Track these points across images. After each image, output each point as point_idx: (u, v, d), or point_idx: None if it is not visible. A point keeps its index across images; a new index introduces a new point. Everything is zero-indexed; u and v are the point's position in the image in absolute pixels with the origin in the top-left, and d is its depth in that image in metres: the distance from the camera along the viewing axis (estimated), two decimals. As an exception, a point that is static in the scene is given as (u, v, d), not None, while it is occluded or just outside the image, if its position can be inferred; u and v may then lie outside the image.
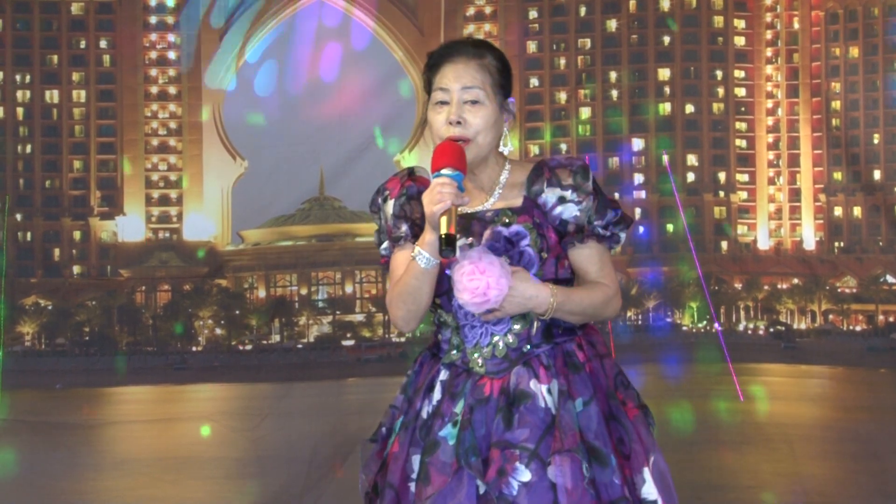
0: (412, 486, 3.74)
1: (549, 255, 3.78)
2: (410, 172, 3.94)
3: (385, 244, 3.92)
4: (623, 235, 3.85)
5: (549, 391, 3.72)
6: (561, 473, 3.62)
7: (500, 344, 3.77)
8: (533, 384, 3.72)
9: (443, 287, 3.78)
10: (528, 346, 3.78)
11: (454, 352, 3.82)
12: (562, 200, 3.81)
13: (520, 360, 3.76)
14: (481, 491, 3.65)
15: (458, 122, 3.75)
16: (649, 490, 3.75)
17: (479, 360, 3.77)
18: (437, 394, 3.80)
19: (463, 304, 3.66)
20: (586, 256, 3.84)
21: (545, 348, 3.78)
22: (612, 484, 3.68)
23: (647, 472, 3.76)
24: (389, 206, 3.88)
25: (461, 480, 3.67)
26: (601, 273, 3.84)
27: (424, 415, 3.79)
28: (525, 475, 3.61)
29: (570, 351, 3.80)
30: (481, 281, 3.61)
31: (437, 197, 3.60)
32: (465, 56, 3.80)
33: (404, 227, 3.85)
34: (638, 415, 3.83)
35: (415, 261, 3.71)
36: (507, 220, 3.78)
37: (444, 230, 3.59)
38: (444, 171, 3.64)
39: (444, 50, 3.84)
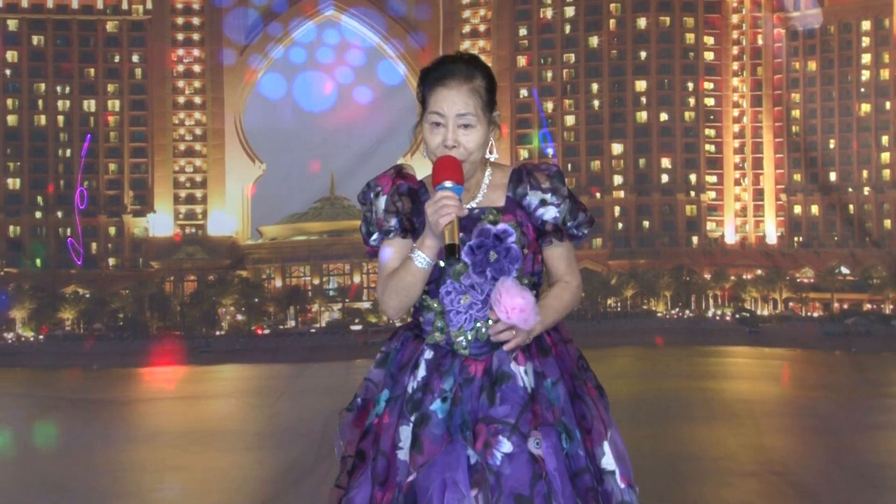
0: (400, 454, 3.75)
1: (528, 252, 3.83)
2: (399, 170, 3.95)
3: (375, 236, 3.91)
4: (587, 234, 3.92)
5: (526, 372, 3.77)
6: (542, 446, 3.69)
7: (483, 329, 3.79)
8: (513, 366, 3.77)
9: (431, 277, 3.80)
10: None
11: (437, 334, 3.83)
12: (543, 203, 3.85)
13: (500, 343, 3.79)
14: (472, 461, 3.68)
15: (454, 146, 3.77)
16: (608, 461, 3.80)
17: (463, 343, 3.80)
18: (422, 371, 3.82)
19: (511, 320, 3.69)
20: (558, 254, 3.90)
21: None
22: (577, 455, 3.75)
23: (606, 446, 3.81)
24: (381, 202, 3.88)
25: (453, 451, 3.70)
26: (569, 269, 3.92)
27: (410, 390, 3.80)
28: (507, 447, 3.66)
29: (540, 336, 3.84)
30: (526, 301, 3.70)
31: (443, 210, 3.63)
32: (458, 81, 3.79)
33: (394, 221, 3.85)
34: (596, 394, 3.88)
35: (412, 261, 3.74)
36: (492, 218, 3.81)
37: (448, 240, 3.64)
38: (446, 185, 3.67)
39: (437, 73, 3.82)
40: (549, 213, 3.85)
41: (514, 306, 3.69)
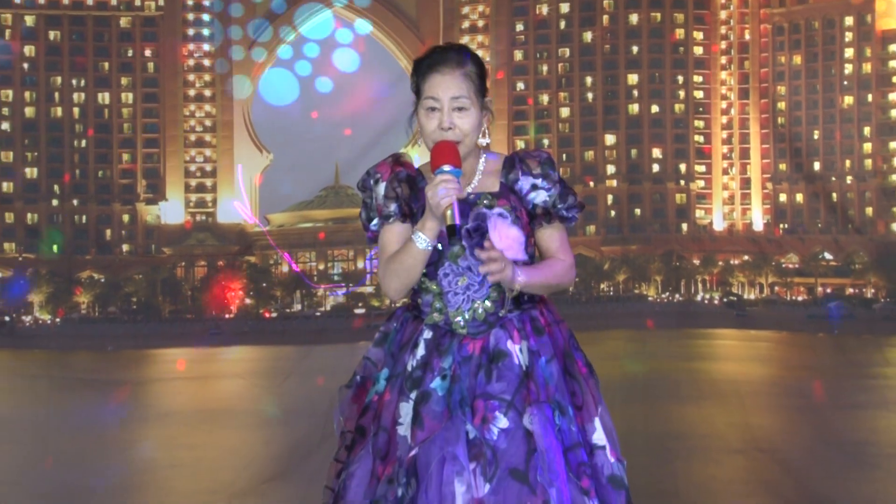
0: (400, 429, 3.76)
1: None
2: (397, 158, 3.96)
3: (375, 221, 3.92)
4: (578, 216, 3.92)
5: (521, 350, 3.78)
6: (536, 421, 3.69)
7: (480, 309, 3.81)
8: (509, 344, 3.79)
9: (430, 259, 3.81)
10: (503, 312, 3.82)
11: (436, 314, 3.84)
12: (534, 187, 3.87)
13: (496, 323, 3.81)
14: (471, 436, 3.69)
15: (450, 128, 3.79)
16: (599, 437, 3.82)
17: (461, 322, 3.81)
18: (421, 350, 3.82)
19: (501, 245, 3.71)
20: (549, 235, 3.90)
21: (516, 313, 3.84)
22: (570, 431, 3.76)
23: (597, 422, 3.83)
24: (381, 188, 3.90)
25: (452, 427, 3.71)
26: (561, 249, 3.91)
27: (409, 368, 3.81)
28: (503, 422, 3.68)
29: (534, 316, 3.86)
30: (519, 233, 3.74)
31: (443, 193, 3.64)
32: (450, 66, 3.82)
33: (393, 206, 3.87)
34: (586, 372, 3.90)
35: (413, 242, 3.74)
36: (487, 203, 3.82)
37: (449, 221, 3.64)
38: (445, 169, 3.68)
39: (430, 60, 3.85)
40: (540, 197, 3.86)
41: (507, 234, 3.73)
